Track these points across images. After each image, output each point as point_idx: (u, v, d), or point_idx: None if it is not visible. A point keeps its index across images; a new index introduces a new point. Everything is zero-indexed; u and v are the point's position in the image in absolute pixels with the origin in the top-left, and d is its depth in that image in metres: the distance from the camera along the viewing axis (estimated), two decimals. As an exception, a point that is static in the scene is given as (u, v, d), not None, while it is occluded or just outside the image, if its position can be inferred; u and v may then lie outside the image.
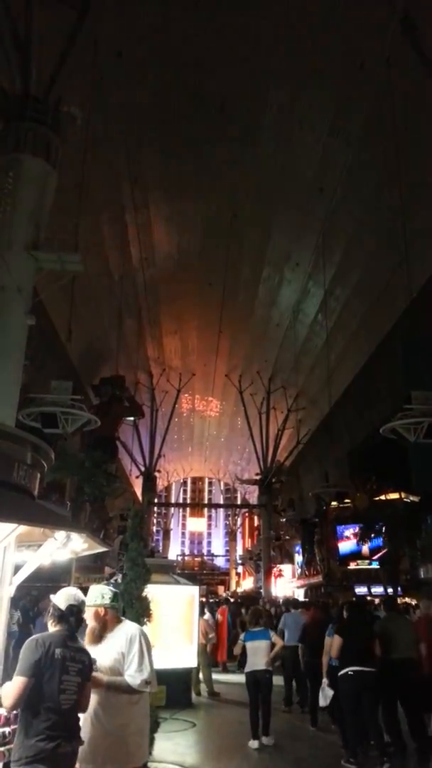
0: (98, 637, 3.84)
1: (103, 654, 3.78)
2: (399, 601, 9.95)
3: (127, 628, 3.91)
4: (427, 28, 12.75)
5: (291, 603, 12.68)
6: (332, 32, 14.55)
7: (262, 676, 7.80)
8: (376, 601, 16.91)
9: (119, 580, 7.54)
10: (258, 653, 7.86)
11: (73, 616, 3.44)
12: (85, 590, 3.99)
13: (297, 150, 18.92)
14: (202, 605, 12.54)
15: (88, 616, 3.84)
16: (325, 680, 7.53)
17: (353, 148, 17.83)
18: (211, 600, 20.88)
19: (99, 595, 3.90)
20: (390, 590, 20.99)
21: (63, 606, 3.45)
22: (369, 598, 20.77)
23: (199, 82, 16.63)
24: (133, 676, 3.68)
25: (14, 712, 4.01)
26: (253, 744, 7.62)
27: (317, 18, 14.46)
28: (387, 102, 13.74)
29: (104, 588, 3.98)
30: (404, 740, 7.13)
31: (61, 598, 3.49)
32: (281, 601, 21.52)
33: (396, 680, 7.01)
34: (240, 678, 12.02)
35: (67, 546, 4.80)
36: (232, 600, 26.55)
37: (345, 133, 17.56)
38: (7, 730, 4.09)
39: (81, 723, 3.44)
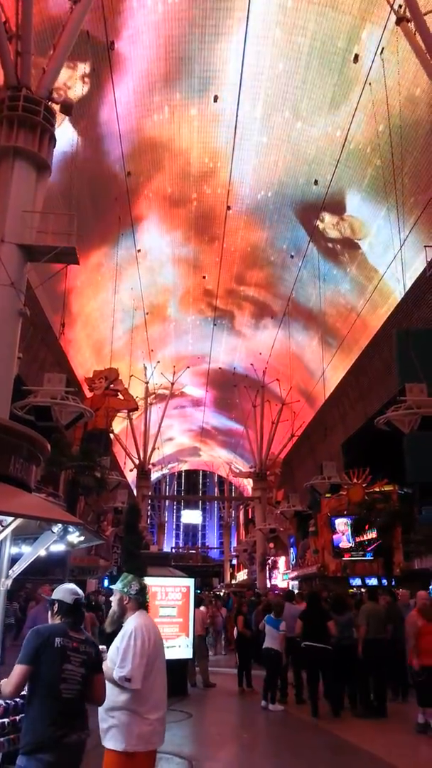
0: (115, 622, 3.97)
1: (112, 644, 3.91)
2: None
3: (131, 621, 3.96)
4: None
5: (287, 596, 12.96)
6: None
7: (270, 652, 9.99)
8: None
9: (114, 573, 7.55)
10: (273, 635, 10.09)
11: (79, 609, 3.50)
12: (78, 583, 4.03)
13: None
14: (199, 598, 12.59)
15: (115, 599, 4.03)
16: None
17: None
18: (206, 592, 20.95)
19: (128, 583, 4.05)
20: (384, 582, 21.07)
21: (70, 600, 3.51)
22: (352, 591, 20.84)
23: None
24: (115, 670, 3.76)
25: (18, 701, 4.04)
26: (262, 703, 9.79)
27: None
28: None
29: (134, 579, 4.09)
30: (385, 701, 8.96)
31: (67, 594, 3.54)
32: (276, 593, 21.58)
33: (369, 654, 8.99)
34: (234, 670, 12.15)
35: (63, 538, 4.81)
36: (226, 593, 26.56)
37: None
38: (5, 720, 4.11)
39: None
